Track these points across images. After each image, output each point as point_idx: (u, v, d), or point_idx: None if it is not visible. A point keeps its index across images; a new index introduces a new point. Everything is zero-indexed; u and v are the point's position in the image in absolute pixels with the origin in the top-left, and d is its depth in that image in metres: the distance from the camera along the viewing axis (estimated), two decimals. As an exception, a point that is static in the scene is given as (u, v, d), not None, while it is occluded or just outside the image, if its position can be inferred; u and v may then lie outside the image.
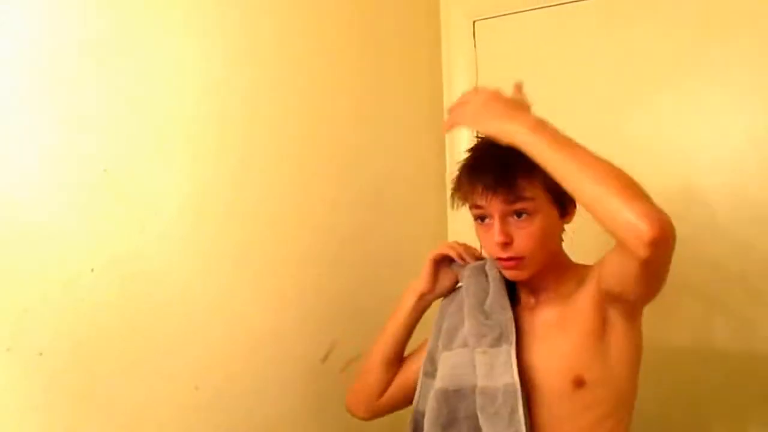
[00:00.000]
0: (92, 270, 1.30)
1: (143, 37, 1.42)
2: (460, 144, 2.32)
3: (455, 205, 1.45)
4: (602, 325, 1.34)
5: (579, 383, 1.33)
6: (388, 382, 1.59)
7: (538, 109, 2.21)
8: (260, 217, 1.68)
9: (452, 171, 2.12)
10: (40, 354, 1.22)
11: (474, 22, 2.33)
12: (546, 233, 1.36)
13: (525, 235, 1.34)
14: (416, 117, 2.28)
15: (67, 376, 1.27)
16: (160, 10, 1.46)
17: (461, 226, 2.32)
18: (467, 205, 1.41)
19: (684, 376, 1.98)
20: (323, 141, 1.87)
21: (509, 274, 1.40)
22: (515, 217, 1.34)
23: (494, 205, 1.34)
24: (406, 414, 1.57)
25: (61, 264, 1.26)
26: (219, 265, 1.57)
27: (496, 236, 1.33)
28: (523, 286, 1.46)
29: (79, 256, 1.29)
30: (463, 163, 1.45)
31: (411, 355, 1.61)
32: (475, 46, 2.33)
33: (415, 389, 1.53)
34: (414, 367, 1.56)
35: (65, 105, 1.28)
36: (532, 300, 1.44)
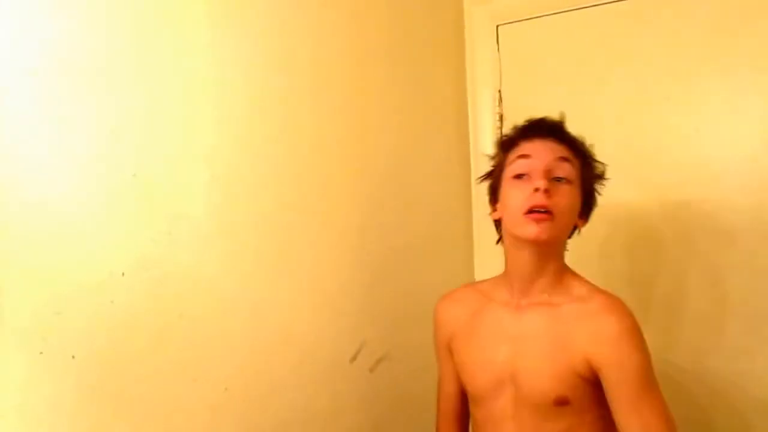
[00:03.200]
0: (123, 273, 1.29)
1: (173, 45, 1.41)
2: (485, 147, 2.30)
3: (497, 159, 1.51)
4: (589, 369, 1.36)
5: (562, 402, 1.36)
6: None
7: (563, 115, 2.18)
8: (288, 220, 1.65)
9: (478, 174, 2.10)
10: (73, 357, 1.21)
11: (497, 26, 2.30)
12: (573, 211, 1.41)
13: (563, 201, 1.36)
14: (442, 119, 2.25)
15: (99, 379, 1.25)
16: (188, 17, 1.44)
17: (486, 229, 2.31)
18: (506, 165, 1.45)
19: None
20: (352, 144, 1.85)
21: (536, 229, 1.36)
22: (555, 181, 1.37)
23: (542, 154, 1.38)
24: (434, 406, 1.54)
25: (93, 268, 1.25)
26: (247, 268, 1.55)
27: (542, 182, 1.34)
28: (516, 280, 1.46)
29: (110, 259, 1.28)
30: (512, 129, 1.53)
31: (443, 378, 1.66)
32: (498, 50, 2.30)
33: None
34: (452, 384, 1.62)
35: (96, 112, 1.27)
36: (523, 300, 1.45)
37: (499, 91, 2.29)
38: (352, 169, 1.85)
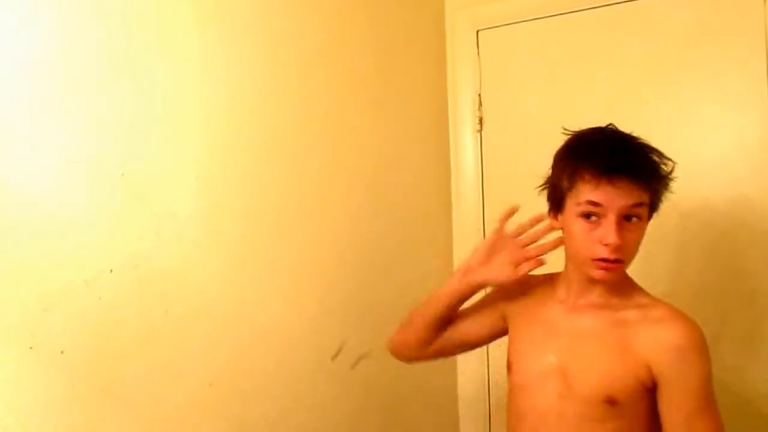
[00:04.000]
0: (111, 270, 1.30)
1: (161, 46, 1.42)
2: (465, 151, 2.33)
3: (557, 201, 1.37)
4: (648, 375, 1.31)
5: (611, 402, 1.31)
6: (434, 340, 1.57)
7: (541, 116, 2.22)
8: (272, 221, 1.67)
9: (458, 175, 2.11)
10: (62, 352, 1.22)
11: (478, 31, 2.33)
12: (641, 241, 1.32)
13: (632, 240, 1.29)
14: (423, 121, 2.27)
15: (88, 374, 1.27)
16: (176, 19, 1.46)
17: (465, 231, 2.34)
18: (570, 195, 1.31)
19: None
20: (335, 145, 1.87)
21: (601, 275, 1.30)
22: (626, 220, 1.28)
23: (616, 203, 1.26)
24: (412, 404, 1.56)
25: (82, 265, 1.26)
26: (232, 267, 1.57)
27: (612, 238, 1.25)
28: (575, 284, 1.41)
29: (99, 257, 1.29)
30: (577, 146, 1.36)
31: (468, 310, 1.60)
32: (478, 54, 2.33)
33: (468, 345, 1.63)
34: (471, 328, 1.58)
35: (85, 112, 1.28)
36: (581, 301, 1.40)
37: (479, 95, 2.31)
38: (335, 170, 1.87)
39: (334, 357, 1.83)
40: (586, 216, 1.29)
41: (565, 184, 1.33)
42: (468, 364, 2.29)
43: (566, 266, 1.43)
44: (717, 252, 1.93)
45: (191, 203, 1.47)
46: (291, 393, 1.70)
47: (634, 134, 1.34)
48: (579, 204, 1.29)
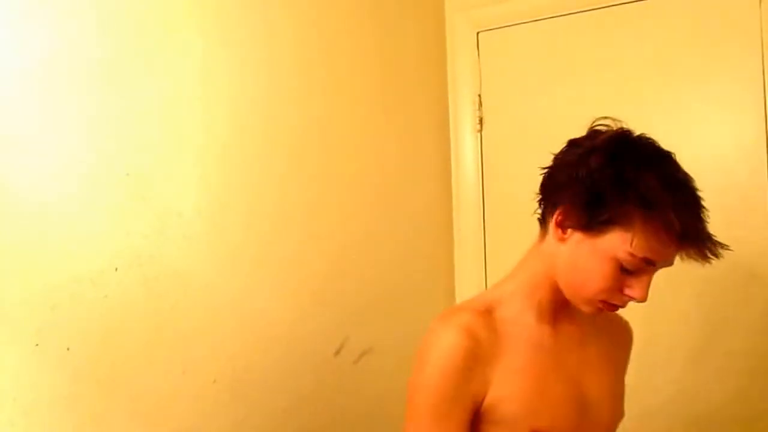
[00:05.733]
0: (116, 269, 1.30)
1: (164, 47, 1.42)
2: (465, 151, 2.33)
3: (587, 219, 1.10)
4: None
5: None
6: None
7: (541, 117, 2.21)
8: (276, 219, 1.67)
9: (458, 174, 2.11)
10: (68, 349, 1.22)
11: (478, 33, 2.33)
12: None
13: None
14: (422, 124, 2.27)
15: (93, 370, 1.27)
16: (180, 20, 1.45)
17: (465, 231, 2.34)
18: (614, 235, 1.07)
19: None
20: (336, 144, 1.87)
21: (597, 313, 1.16)
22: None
23: (665, 265, 1.10)
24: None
25: (87, 263, 1.26)
26: (236, 265, 1.57)
27: (644, 295, 1.09)
28: (548, 302, 1.20)
29: (104, 255, 1.29)
30: (659, 183, 1.06)
31: None
32: (478, 56, 2.32)
33: None
34: None
35: (90, 113, 1.28)
36: (556, 316, 1.21)
37: (479, 96, 2.31)
38: (336, 169, 1.87)
39: (337, 353, 1.83)
40: (629, 270, 1.08)
41: (624, 218, 1.06)
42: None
43: (533, 283, 1.20)
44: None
45: (195, 202, 1.47)
46: (294, 388, 1.70)
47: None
48: (632, 256, 1.06)
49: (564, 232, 1.14)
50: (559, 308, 1.20)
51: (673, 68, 1.99)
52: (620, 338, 1.30)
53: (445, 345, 1.12)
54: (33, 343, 1.17)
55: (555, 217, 1.15)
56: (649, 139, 1.15)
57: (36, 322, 1.18)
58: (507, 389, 1.12)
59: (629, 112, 2.01)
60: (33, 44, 1.20)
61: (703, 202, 1.11)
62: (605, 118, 1.19)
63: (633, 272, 1.08)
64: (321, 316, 1.79)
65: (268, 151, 1.66)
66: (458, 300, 2.31)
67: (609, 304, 1.12)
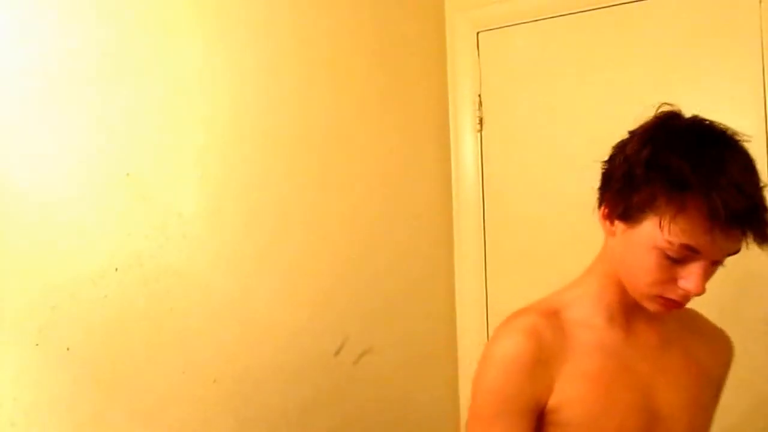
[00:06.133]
0: (116, 269, 1.30)
1: (164, 47, 1.42)
2: (465, 151, 2.33)
3: (627, 209, 1.05)
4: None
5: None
6: None
7: (541, 117, 2.21)
8: (276, 219, 1.67)
9: (458, 174, 2.11)
10: (68, 349, 1.22)
11: (478, 33, 2.33)
12: None
13: (710, 277, 1.04)
14: (422, 124, 2.27)
15: (93, 370, 1.27)
16: (179, 20, 1.45)
17: (465, 231, 2.34)
18: (650, 222, 1.01)
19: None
20: (336, 144, 1.87)
21: (661, 311, 1.08)
22: (711, 263, 1.02)
23: (716, 252, 1.00)
24: (415, 399, 1.56)
25: (87, 263, 1.26)
26: (236, 265, 1.57)
27: (698, 287, 1.00)
28: (619, 305, 1.15)
29: (104, 255, 1.29)
30: (689, 162, 0.98)
31: None
32: (478, 56, 2.32)
33: None
34: None
35: (90, 113, 1.28)
36: (630, 320, 1.15)
37: (479, 96, 2.31)
38: (336, 169, 1.87)
39: (337, 353, 1.83)
40: (675, 259, 1.01)
41: (656, 207, 1.00)
42: (468, 361, 2.29)
43: (600, 284, 1.16)
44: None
45: (195, 202, 1.47)
46: (294, 388, 1.70)
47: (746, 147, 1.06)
48: (670, 243, 0.99)
49: (612, 225, 1.10)
50: (631, 311, 1.14)
51: (673, 68, 1.99)
52: (715, 351, 1.20)
53: (509, 347, 1.10)
54: (33, 343, 1.17)
55: (602, 210, 1.12)
56: (699, 120, 1.08)
57: (36, 322, 1.18)
58: (571, 392, 1.09)
59: (629, 112, 2.03)
60: (33, 45, 1.20)
61: (758, 184, 1.01)
62: (665, 104, 1.14)
63: (682, 262, 1.01)
64: (321, 316, 1.79)
65: (268, 151, 1.66)
66: (458, 300, 2.31)
67: (667, 299, 1.05)
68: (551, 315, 1.14)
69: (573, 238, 2.05)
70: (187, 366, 1.43)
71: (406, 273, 2.09)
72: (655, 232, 1.00)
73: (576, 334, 1.13)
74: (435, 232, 2.30)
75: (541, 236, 2.17)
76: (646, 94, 2.02)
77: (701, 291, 1.01)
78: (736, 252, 1.01)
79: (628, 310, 1.14)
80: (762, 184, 1.02)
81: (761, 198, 0.99)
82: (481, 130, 2.30)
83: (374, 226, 1.99)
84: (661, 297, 1.05)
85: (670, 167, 0.99)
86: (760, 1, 1.85)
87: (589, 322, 1.14)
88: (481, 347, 2.29)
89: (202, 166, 1.49)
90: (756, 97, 1.87)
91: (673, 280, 1.02)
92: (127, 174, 1.33)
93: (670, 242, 0.99)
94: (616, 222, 1.08)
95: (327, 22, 1.85)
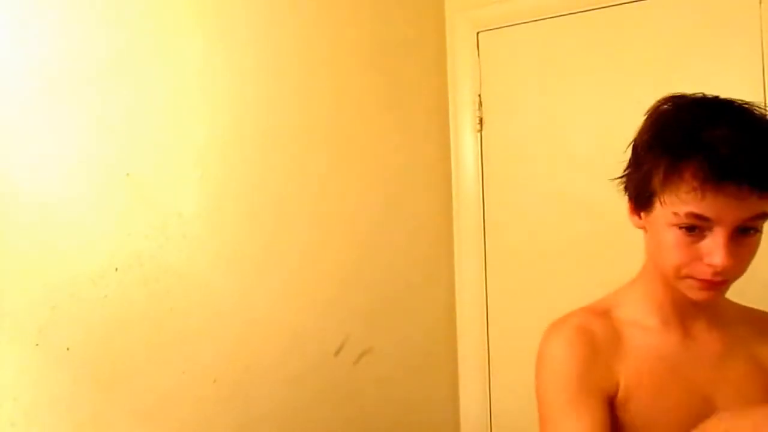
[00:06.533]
0: (116, 269, 1.30)
1: (164, 48, 1.42)
2: (465, 151, 2.32)
3: (644, 198, 1.02)
4: None
5: None
6: None
7: (540, 118, 2.21)
8: (275, 219, 1.67)
9: (458, 171, 2.11)
10: (67, 349, 1.22)
11: (478, 33, 2.33)
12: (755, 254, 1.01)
13: (743, 255, 0.97)
14: (422, 124, 2.27)
15: (93, 370, 1.27)
16: (179, 21, 1.45)
17: (465, 231, 2.34)
18: (660, 203, 0.98)
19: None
20: (336, 142, 1.87)
21: (702, 296, 1.00)
22: (740, 232, 0.96)
23: (731, 217, 0.94)
24: (414, 399, 1.56)
25: (87, 263, 1.26)
26: (236, 265, 1.57)
27: (721, 259, 0.94)
28: (672, 307, 1.08)
29: (104, 255, 1.29)
30: (677, 127, 1.00)
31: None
32: (478, 56, 2.32)
33: None
34: None
35: (90, 113, 1.28)
36: (688, 322, 1.09)
37: (479, 95, 2.31)
38: (336, 169, 1.87)
39: (337, 353, 1.83)
40: (688, 229, 0.96)
41: (656, 181, 0.99)
42: (468, 361, 2.29)
43: (648, 282, 1.11)
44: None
45: (195, 202, 1.47)
46: (294, 388, 1.70)
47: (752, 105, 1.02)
48: (676, 215, 0.96)
49: (639, 218, 1.06)
50: (689, 313, 1.08)
51: (673, 68, 1.98)
52: None
53: (561, 341, 1.07)
54: (33, 343, 1.17)
55: (629, 205, 1.08)
56: (704, 96, 1.08)
57: (36, 322, 1.18)
58: (630, 391, 1.04)
59: (629, 112, 2.03)
60: (33, 45, 1.20)
61: (758, 136, 0.95)
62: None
63: (702, 236, 0.96)
64: (321, 316, 1.79)
65: (268, 150, 1.65)
66: (458, 300, 2.31)
67: (701, 281, 0.98)
68: (602, 314, 1.10)
69: (573, 237, 2.05)
70: (187, 366, 1.43)
71: (406, 273, 2.09)
72: (665, 212, 0.98)
73: (629, 334, 1.08)
74: (435, 232, 2.30)
75: (541, 236, 2.17)
76: (646, 94, 2.02)
77: (727, 263, 0.93)
78: (757, 216, 0.94)
79: (685, 312, 1.08)
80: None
81: (757, 147, 0.93)
82: (481, 130, 2.30)
83: (374, 226, 1.99)
84: (693, 279, 0.99)
85: (665, 139, 0.99)
86: (760, 1, 1.85)
87: (643, 323, 1.09)
88: (481, 347, 2.31)
89: (202, 166, 1.49)
90: (756, 98, 1.84)
91: (698, 258, 0.97)
92: (127, 174, 1.33)
93: (676, 214, 0.96)
94: (642, 214, 1.05)
95: (327, 22, 1.85)
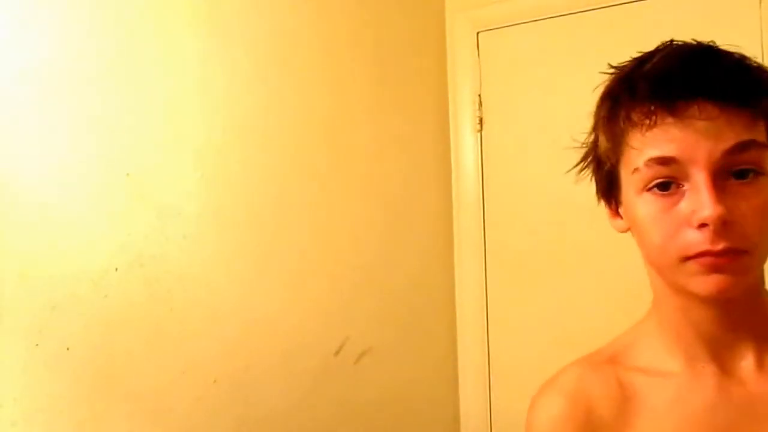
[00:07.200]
0: (116, 269, 1.30)
1: (162, 49, 1.42)
2: (465, 151, 2.32)
3: (609, 185, 0.80)
4: None
5: None
6: None
7: (541, 117, 2.21)
8: (275, 219, 1.67)
9: (457, 171, 2.10)
10: (68, 349, 1.22)
11: (478, 33, 2.32)
12: None
13: (752, 208, 0.70)
14: (422, 125, 2.27)
15: (93, 370, 1.27)
16: (176, 22, 1.45)
17: (465, 231, 2.34)
18: (623, 156, 0.76)
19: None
20: (335, 142, 1.87)
21: (711, 285, 0.70)
22: (734, 178, 0.70)
23: (703, 150, 0.69)
24: (414, 399, 1.55)
25: (88, 264, 1.26)
26: (236, 265, 1.57)
27: (709, 206, 0.67)
28: (693, 339, 0.78)
29: (104, 256, 1.29)
30: (619, 76, 0.83)
31: None
32: (478, 55, 2.32)
33: None
34: None
35: (90, 114, 1.28)
36: (719, 365, 0.78)
37: (479, 95, 2.31)
38: (336, 169, 1.87)
39: (337, 353, 1.83)
40: (659, 187, 0.72)
41: (603, 141, 0.80)
42: (468, 361, 2.29)
43: (660, 306, 0.82)
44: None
45: (195, 202, 1.47)
46: (294, 388, 1.70)
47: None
48: (637, 171, 0.73)
49: (619, 215, 0.82)
50: (723, 340, 0.77)
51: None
52: None
53: (546, 416, 0.83)
54: (33, 343, 1.17)
55: (606, 209, 0.86)
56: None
57: (36, 322, 1.18)
58: None
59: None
60: (33, 46, 1.20)
61: (709, 54, 0.78)
62: None
63: (678, 192, 0.71)
64: (321, 316, 1.79)
65: (267, 150, 1.65)
66: (458, 300, 2.31)
67: (700, 260, 0.69)
68: (606, 365, 0.83)
69: (573, 237, 2.05)
70: (187, 366, 1.43)
71: (406, 273, 2.09)
72: (628, 180, 0.76)
73: (642, 388, 0.80)
74: (435, 232, 2.30)
75: (541, 236, 2.16)
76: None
77: (720, 211, 0.67)
78: (744, 145, 0.70)
79: (719, 339, 0.77)
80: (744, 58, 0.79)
81: (712, 56, 0.77)
82: (481, 130, 2.30)
83: (374, 226, 1.99)
84: (691, 258, 0.70)
85: (603, 96, 0.84)
86: (760, 2, 1.85)
87: (661, 368, 0.80)
88: (481, 347, 2.30)
89: (202, 166, 1.49)
90: (756, 98, 1.86)
91: (686, 223, 0.70)
92: (127, 174, 1.33)
93: (637, 170, 0.73)
94: (619, 209, 0.81)
95: (327, 22, 1.85)
